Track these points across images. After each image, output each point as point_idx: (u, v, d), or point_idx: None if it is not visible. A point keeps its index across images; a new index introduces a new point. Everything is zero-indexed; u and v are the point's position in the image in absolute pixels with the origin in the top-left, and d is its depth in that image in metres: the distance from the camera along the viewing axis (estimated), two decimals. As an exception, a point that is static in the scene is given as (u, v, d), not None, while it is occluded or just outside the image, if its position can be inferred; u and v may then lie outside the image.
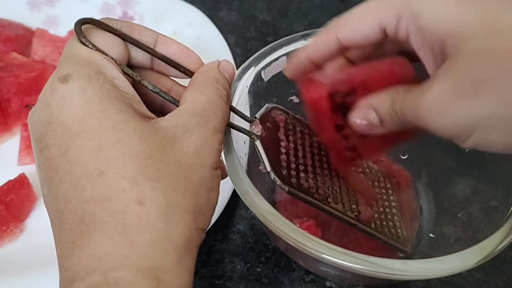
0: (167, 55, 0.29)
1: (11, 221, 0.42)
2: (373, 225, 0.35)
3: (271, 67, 0.38)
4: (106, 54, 0.26)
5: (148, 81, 0.27)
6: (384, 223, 0.36)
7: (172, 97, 0.28)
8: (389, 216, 0.37)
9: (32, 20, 0.59)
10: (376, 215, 0.36)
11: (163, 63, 0.30)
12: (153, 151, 0.23)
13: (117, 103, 0.24)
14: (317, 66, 0.31)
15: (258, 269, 0.41)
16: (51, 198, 0.23)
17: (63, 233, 0.22)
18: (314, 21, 0.64)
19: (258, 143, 0.32)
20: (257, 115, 0.33)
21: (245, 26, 0.63)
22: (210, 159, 0.25)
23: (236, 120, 0.32)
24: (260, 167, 0.32)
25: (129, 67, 0.28)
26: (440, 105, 0.23)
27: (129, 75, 0.27)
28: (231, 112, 0.32)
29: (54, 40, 0.55)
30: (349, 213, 0.34)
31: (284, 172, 0.32)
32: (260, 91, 0.38)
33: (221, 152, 0.27)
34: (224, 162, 0.30)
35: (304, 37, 0.39)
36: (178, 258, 0.22)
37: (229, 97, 0.29)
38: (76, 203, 0.22)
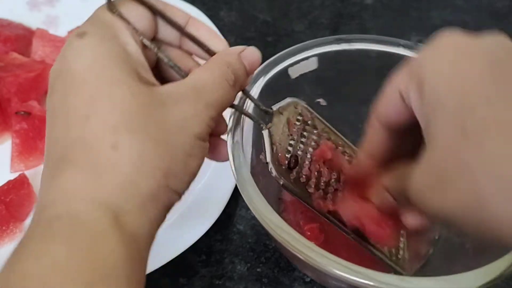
0: (196, 36, 0.30)
1: (11, 221, 0.42)
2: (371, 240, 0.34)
3: (300, 65, 0.38)
4: (129, 23, 0.27)
5: (164, 54, 0.28)
6: None
7: (184, 72, 0.29)
8: None
9: (32, 20, 0.59)
10: None
11: (190, 43, 0.30)
12: (139, 107, 0.25)
13: (121, 63, 0.26)
14: (381, 161, 0.30)
15: (258, 269, 0.41)
16: (47, 141, 0.25)
17: (47, 170, 0.25)
18: (314, 21, 0.64)
19: (265, 132, 0.32)
20: (275, 107, 0.33)
21: (245, 26, 0.63)
22: (195, 128, 0.26)
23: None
24: (261, 156, 0.32)
25: (155, 42, 0.29)
26: (418, 194, 0.24)
27: (147, 46, 0.28)
28: (248, 100, 0.33)
29: (54, 40, 0.55)
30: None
31: (284, 166, 0.31)
32: (286, 88, 0.38)
33: (210, 127, 0.27)
34: (239, 188, 0.31)
35: (337, 41, 0.39)
36: (140, 206, 0.24)
37: (237, 82, 0.29)
38: (62, 143, 0.24)
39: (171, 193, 0.26)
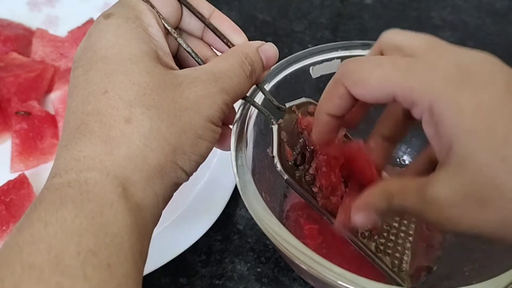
0: (217, 28, 0.32)
1: (11, 221, 0.42)
2: (373, 248, 0.34)
3: (322, 66, 0.38)
4: (153, 8, 0.29)
5: (184, 40, 0.30)
6: (390, 251, 0.35)
7: (201, 59, 0.30)
8: (399, 248, 0.36)
9: (32, 20, 0.59)
10: (383, 240, 0.35)
11: (212, 36, 0.32)
12: (155, 85, 0.26)
13: (142, 44, 0.27)
14: (341, 117, 0.29)
15: (258, 269, 0.41)
16: (66, 111, 0.27)
17: (63, 139, 0.26)
18: (314, 21, 0.64)
19: (274, 127, 0.32)
20: (289, 104, 0.33)
21: (245, 26, 0.62)
22: (207, 110, 0.27)
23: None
24: (268, 150, 0.32)
25: (178, 30, 0.32)
26: (448, 214, 0.24)
27: (168, 31, 0.30)
28: (259, 95, 0.34)
29: (54, 40, 0.55)
30: None
31: (291, 162, 0.31)
32: (304, 87, 0.38)
33: (224, 112, 0.28)
34: (243, 198, 0.30)
35: (364, 46, 0.38)
36: (148, 178, 0.25)
37: (253, 74, 0.30)
38: (79, 114, 0.26)
39: (178, 170, 0.26)
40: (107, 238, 0.22)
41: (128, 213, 0.23)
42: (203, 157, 0.28)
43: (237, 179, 0.31)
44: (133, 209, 0.24)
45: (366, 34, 0.62)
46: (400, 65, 0.25)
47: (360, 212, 0.29)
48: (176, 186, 0.27)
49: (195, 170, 0.28)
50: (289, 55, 0.38)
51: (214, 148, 0.35)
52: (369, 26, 0.63)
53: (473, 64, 0.24)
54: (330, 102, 0.29)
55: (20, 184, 0.44)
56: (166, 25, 0.30)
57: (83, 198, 0.23)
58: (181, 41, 0.30)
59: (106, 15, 0.28)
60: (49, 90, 0.53)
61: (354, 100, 0.28)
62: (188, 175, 0.27)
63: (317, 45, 0.39)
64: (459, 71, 0.24)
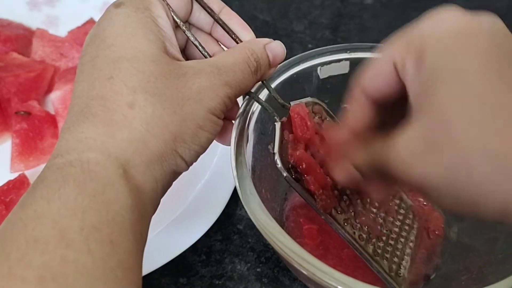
0: (226, 23, 0.32)
1: (11, 221, 0.42)
2: (370, 251, 0.34)
3: (330, 67, 0.38)
4: (164, 0, 0.30)
5: (192, 33, 0.31)
6: (388, 255, 0.35)
7: (208, 53, 0.31)
8: (398, 252, 0.35)
9: (32, 20, 0.59)
10: (381, 244, 0.35)
11: (221, 31, 0.33)
12: (159, 74, 0.26)
13: (149, 34, 0.28)
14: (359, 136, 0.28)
15: (258, 269, 0.41)
16: (72, 96, 0.27)
17: (66, 122, 0.26)
18: (314, 21, 0.64)
19: (277, 124, 0.32)
20: (294, 102, 0.33)
21: (245, 26, 0.63)
22: (209, 102, 0.27)
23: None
24: (269, 147, 0.32)
25: (188, 24, 0.32)
26: (404, 162, 0.23)
27: (177, 23, 0.30)
28: (264, 92, 0.34)
29: (54, 40, 0.55)
30: (347, 227, 0.33)
31: (292, 161, 0.31)
32: (312, 87, 0.38)
33: (226, 105, 0.28)
34: (240, 196, 0.30)
35: (372, 48, 0.38)
36: (148, 162, 0.25)
37: (258, 71, 0.31)
38: (84, 99, 0.26)
39: (178, 158, 0.27)
40: (109, 216, 0.22)
41: (128, 193, 0.24)
42: (203, 148, 0.28)
43: (234, 173, 0.31)
44: (133, 191, 0.24)
45: (366, 34, 0.62)
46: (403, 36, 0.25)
47: (343, 169, 0.28)
48: (175, 174, 0.28)
49: (195, 160, 0.28)
50: (289, 55, 0.38)
51: (215, 148, 0.35)
52: (369, 26, 0.63)
53: (473, 21, 0.23)
54: (352, 115, 0.28)
55: (20, 184, 0.44)
56: (175, 17, 0.30)
57: (85, 177, 0.23)
58: (189, 34, 0.31)
59: (117, 4, 0.29)
60: (49, 90, 0.53)
61: (372, 108, 0.27)
62: (188, 164, 0.28)
63: (317, 45, 0.39)
64: (458, 24, 0.23)
